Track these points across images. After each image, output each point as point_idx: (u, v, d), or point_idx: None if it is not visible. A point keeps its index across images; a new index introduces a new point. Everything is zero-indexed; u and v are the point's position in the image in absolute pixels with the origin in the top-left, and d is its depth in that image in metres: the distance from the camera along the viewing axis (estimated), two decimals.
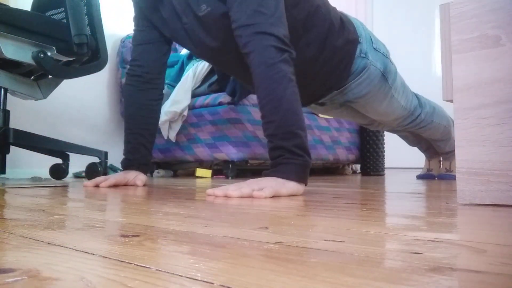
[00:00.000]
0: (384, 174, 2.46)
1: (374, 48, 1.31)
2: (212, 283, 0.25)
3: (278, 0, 1.01)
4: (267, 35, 0.96)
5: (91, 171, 1.78)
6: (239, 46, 1.01)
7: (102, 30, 1.66)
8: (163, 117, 2.09)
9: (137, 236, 0.41)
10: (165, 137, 2.16)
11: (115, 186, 1.25)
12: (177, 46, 2.47)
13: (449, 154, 1.75)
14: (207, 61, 1.31)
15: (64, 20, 1.55)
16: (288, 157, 0.91)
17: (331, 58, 1.23)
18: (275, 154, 0.93)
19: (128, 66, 1.37)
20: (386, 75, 1.32)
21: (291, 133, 0.92)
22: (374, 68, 1.29)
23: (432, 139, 1.68)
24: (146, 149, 1.34)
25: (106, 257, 0.32)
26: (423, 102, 1.51)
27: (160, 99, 1.37)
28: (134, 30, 1.35)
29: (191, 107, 2.10)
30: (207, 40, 1.17)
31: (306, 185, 0.93)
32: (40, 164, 2.08)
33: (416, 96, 1.51)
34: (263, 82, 0.95)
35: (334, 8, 1.27)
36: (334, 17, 1.23)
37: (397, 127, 1.57)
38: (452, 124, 1.64)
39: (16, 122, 2.01)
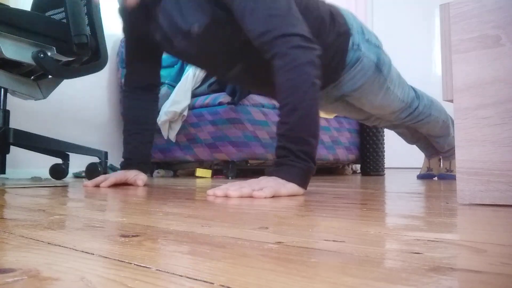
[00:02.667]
0: (384, 174, 2.46)
1: (366, 40, 1.29)
2: (212, 283, 0.25)
3: None
4: (287, 36, 0.94)
5: (91, 171, 1.77)
6: (263, 55, 0.98)
7: (102, 30, 1.66)
8: (163, 117, 2.09)
9: (137, 236, 0.41)
10: (165, 137, 2.16)
11: (115, 186, 1.25)
12: None
13: (449, 153, 1.74)
14: (218, 76, 1.32)
15: (64, 20, 1.55)
16: (293, 159, 0.90)
17: (324, 54, 1.21)
18: (281, 154, 0.92)
19: (124, 76, 1.39)
20: (380, 66, 1.31)
21: (302, 138, 0.91)
22: (367, 59, 1.28)
23: (430, 135, 1.66)
24: (146, 148, 1.34)
25: (106, 257, 0.32)
26: (420, 95, 1.49)
27: (157, 100, 1.40)
28: (126, 46, 1.36)
29: (191, 107, 2.10)
30: (211, 55, 1.16)
31: (305, 189, 0.93)
32: (40, 164, 2.08)
33: (413, 88, 1.49)
34: (284, 84, 0.92)
35: (323, 2, 1.25)
36: (324, 12, 1.21)
37: (395, 121, 1.54)
38: (450, 120, 1.63)
39: (16, 122, 2.01)
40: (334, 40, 1.22)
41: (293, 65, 0.92)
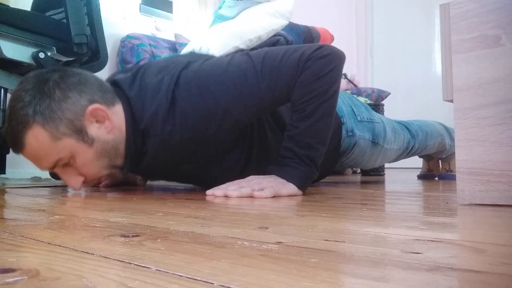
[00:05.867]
0: (384, 174, 2.46)
1: (359, 121, 1.26)
2: (212, 283, 0.25)
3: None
4: (303, 58, 0.90)
5: None
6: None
7: (102, 30, 1.66)
8: None
9: (137, 236, 0.41)
10: None
11: (115, 186, 1.25)
12: (177, 46, 2.47)
13: (447, 158, 1.74)
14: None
15: (64, 20, 1.55)
16: (297, 162, 0.90)
17: None
18: (286, 154, 0.91)
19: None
20: (376, 139, 1.29)
21: (309, 144, 0.90)
22: (363, 140, 1.25)
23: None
24: None
25: (106, 257, 0.32)
26: (414, 132, 1.48)
27: None
28: None
29: None
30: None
31: (303, 193, 0.92)
32: None
33: (407, 127, 1.47)
34: (304, 89, 0.90)
35: None
36: None
37: (393, 161, 1.56)
38: (446, 134, 1.62)
39: None
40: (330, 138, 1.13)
41: (319, 75, 0.90)
